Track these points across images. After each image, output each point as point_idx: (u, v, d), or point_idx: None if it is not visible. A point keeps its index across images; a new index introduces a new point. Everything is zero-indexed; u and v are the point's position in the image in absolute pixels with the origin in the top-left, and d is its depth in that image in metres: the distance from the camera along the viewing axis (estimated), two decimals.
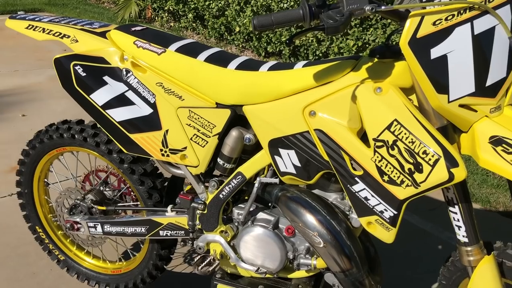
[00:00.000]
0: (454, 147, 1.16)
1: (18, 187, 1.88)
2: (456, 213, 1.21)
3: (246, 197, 1.56)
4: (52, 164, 1.86)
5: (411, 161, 1.12)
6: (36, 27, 1.57)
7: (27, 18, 1.62)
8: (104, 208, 1.71)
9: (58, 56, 1.50)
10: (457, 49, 1.07)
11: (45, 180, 1.88)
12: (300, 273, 1.45)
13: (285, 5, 4.62)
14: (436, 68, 1.07)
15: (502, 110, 1.14)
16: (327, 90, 1.24)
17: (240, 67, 1.37)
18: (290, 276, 1.47)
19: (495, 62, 1.10)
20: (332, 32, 1.03)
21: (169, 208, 1.59)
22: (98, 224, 1.70)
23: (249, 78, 1.34)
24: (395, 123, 1.14)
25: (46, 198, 1.91)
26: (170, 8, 6.21)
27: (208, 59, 1.40)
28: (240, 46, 5.62)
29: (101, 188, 1.83)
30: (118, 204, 1.77)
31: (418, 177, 1.12)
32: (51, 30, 1.54)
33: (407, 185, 1.14)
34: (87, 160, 1.85)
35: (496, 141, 1.10)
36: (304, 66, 1.31)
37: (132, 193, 1.77)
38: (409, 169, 1.13)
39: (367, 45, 4.05)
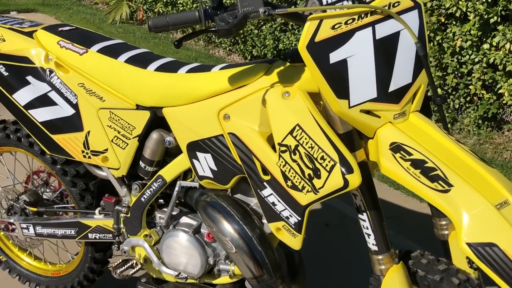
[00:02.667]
0: (360, 153, 1.15)
1: None
2: (364, 220, 1.19)
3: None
4: None
5: (311, 166, 1.12)
6: None
7: None
8: (35, 209, 1.71)
9: None
10: (358, 54, 1.06)
11: None
12: (224, 279, 1.45)
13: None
14: (335, 73, 1.06)
15: (407, 117, 1.13)
16: (241, 93, 1.25)
17: (160, 68, 1.38)
18: (214, 282, 1.46)
19: (399, 68, 1.09)
20: (224, 35, 1.03)
21: (97, 211, 1.59)
22: (30, 226, 1.70)
23: (168, 80, 1.35)
24: (297, 128, 1.13)
25: None
26: (160, 10, 6.24)
27: (129, 60, 1.40)
28: (227, 49, 5.63)
29: (42, 189, 1.84)
30: (54, 206, 1.78)
31: (316, 182, 1.11)
32: None
33: (308, 191, 1.13)
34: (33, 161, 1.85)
35: (396, 148, 1.09)
36: (221, 69, 1.32)
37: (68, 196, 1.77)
38: (309, 174, 1.12)
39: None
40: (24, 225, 1.72)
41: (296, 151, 1.14)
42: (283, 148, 1.16)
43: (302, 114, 1.14)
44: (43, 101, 1.47)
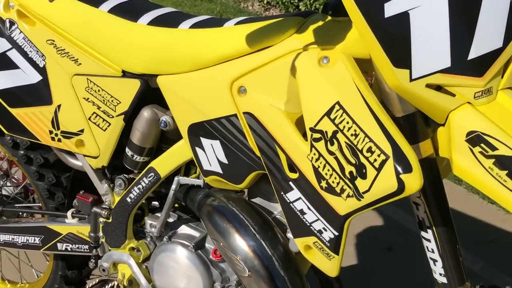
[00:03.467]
0: (425, 145, 1.13)
1: None
2: (429, 240, 1.17)
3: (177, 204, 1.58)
4: None
5: (353, 161, 1.10)
6: None
7: None
8: None
9: None
10: (425, 4, 1.02)
11: None
12: None
13: None
14: (392, 31, 1.03)
15: (494, 95, 1.09)
16: (262, 58, 1.23)
17: (155, 21, 1.38)
18: None
19: (484, 26, 1.05)
20: None
21: (69, 213, 1.63)
22: None
23: (165, 38, 1.35)
24: (337, 107, 1.11)
25: None
26: None
27: (114, 9, 1.41)
28: (265, 1, 5.61)
29: (0, 182, 1.89)
30: (15, 205, 1.84)
31: (361, 184, 1.09)
32: None
33: (348, 195, 1.11)
34: None
35: (475, 139, 1.05)
36: (237, 23, 1.31)
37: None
38: (351, 172, 1.10)
39: None
40: None
41: (334, 140, 1.12)
42: (316, 135, 1.14)
43: (345, 87, 1.11)
44: (1, 62, 1.51)
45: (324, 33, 1.18)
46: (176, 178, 1.41)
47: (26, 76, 1.49)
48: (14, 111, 1.51)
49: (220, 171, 1.33)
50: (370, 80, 1.18)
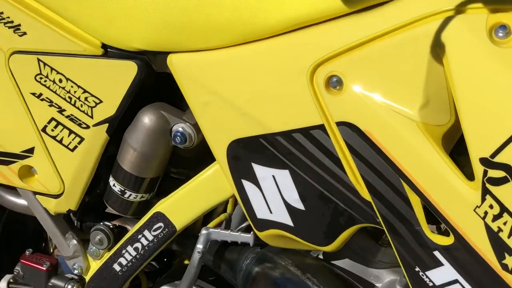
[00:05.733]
0: None
1: None
2: None
3: (186, 261, 1.48)
4: None
5: None
6: None
7: None
8: None
9: None
10: None
11: None
12: None
13: None
14: None
15: None
16: (371, 26, 1.08)
17: None
18: None
19: None
20: None
21: (3, 284, 1.52)
22: None
23: None
24: None
25: None
26: None
27: None
28: None
29: None
30: None
31: None
32: None
33: None
34: None
35: None
36: None
37: None
38: None
39: None
40: None
41: None
42: (496, 174, 0.98)
43: None
44: None
45: None
46: (204, 232, 1.31)
47: None
48: None
49: (290, 223, 1.22)
50: None
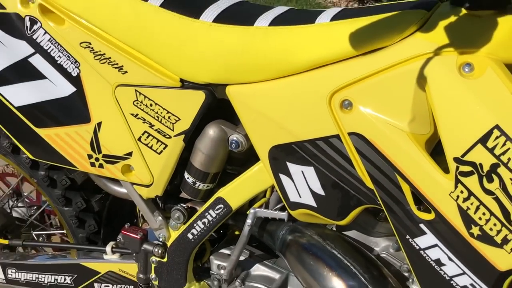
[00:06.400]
0: None
1: None
2: None
3: (237, 232, 1.44)
4: None
5: None
6: None
7: None
8: (6, 242, 1.57)
9: None
10: None
11: None
12: None
13: None
14: None
15: None
16: (374, 64, 1.05)
17: (222, 18, 1.19)
18: None
19: None
20: None
21: (108, 248, 1.46)
22: None
23: (237, 39, 1.17)
24: (496, 132, 0.93)
25: None
26: None
27: (169, 3, 1.22)
28: None
29: (10, 202, 1.73)
30: (33, 233, 1.68)
31: None
32: None
33: None
34: None
35: None
36: (333, 18, 1.12)
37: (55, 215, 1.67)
38: None
39: None
40: None
41: (494, 176, 0.94)
42: (465, 168, 0.96)
43: (504, 105, 0.93)
44: (22, 72, 1.33)
45: (461, 31, 0.99)
46: (252, 211, 1.26)
47: (56, 87, 1.32)
48: (42, 132, 1.36)
49: (314, 205, 1.18)
50: None
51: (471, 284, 1.00)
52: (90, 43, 1.26)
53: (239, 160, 1.30)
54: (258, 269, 1.32)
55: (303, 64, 1.11)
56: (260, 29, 1.15)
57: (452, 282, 1.02)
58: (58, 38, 1.29)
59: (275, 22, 1.15)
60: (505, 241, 0.94)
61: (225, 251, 1.35)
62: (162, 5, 1.21)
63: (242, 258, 1.33)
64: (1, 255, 1.59)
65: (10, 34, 1.31)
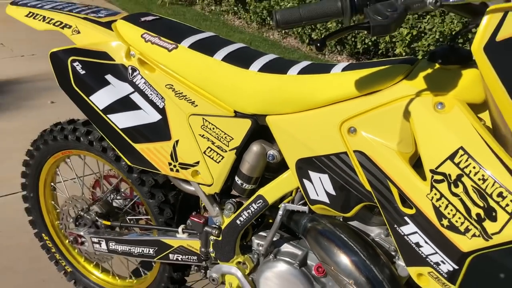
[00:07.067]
0: None
1: (23, 190, 1.74)
2: None
3: (271, 221, 1.37)
4: (59, 167, 1.71)
5: (481, 204, 0.88)
6: (37, 15, 1.41)
7: (28, 4, 1.46)
8: (109, 223, 1.56)
9: (54, 50, 1.33)
10: None
11: (52, 184, 1.73)
12: None
13: None
14: None
15: None
16: (372, 102, 1.03)
17: (264, 68, 1.17)
18: None
19: None
20: (380, 33, 0.79)
21: (180, 229, 1.43)
22: (102, 241, 1.55)
23: (275, 83, 1.15)
24: (460, 152, 0.90)
25: (54, 203, 1.77)
26: None
27: (227, 58, 1.21)
28: (283, 32, 5.36)
29: (111, 196, 1.68)
30: (127, 218, 1.63)
31: (489, 226, 0.88)
32: (51, 19, 1.38)
33: (474, 235, 0.90)
34: (98, 163, 1.69)
35: None
36: (344, 69, 1.10)
37: (143, 205, 1.62)
38: (478, 214, 0.89)
39: (422, 35, 3.69)
40: (95, 239, 1.56)
41: (459, 183, 0.91)
42: (438, 177, 0.93)
43: (466, 133, 0.91)
44: (125, 104, 1.31)
45: (435, 79, 0.98)
46: (282, 205, 1.22)
47: (148, 115, 1.30)
48: (137, 146, 1.33)
49: (327, 201, 1.14)
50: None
51: (441, 261, 0.96)
52: (172, 85, 1.26)
53: (274, 168, 1.26)
54: (286, 247, 1.27)
55: (321, 101, 1.09)
56: (291, 77, 1.13)
57: (427, 259, 0.98)
58: (150, 81, 1.28)
59: (302, 71, 1.13)
60: (466, 230, 0.91)
61: (262, 233, 1.32)
62: (223, 59, 1.20)
63: (274, 239, 1.28)
64: (105, 232, 1.58)
65: (118, 78, 1.31)
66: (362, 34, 4.26)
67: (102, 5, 3.92)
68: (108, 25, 1.34)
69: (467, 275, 0.93)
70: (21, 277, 1.93)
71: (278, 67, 1.17)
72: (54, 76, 1.35)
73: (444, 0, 0.80)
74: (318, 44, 0.80)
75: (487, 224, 0.88)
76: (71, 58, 1.31)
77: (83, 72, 1.30)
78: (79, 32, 1.34)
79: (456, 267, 0.94)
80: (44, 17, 1.40)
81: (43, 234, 1.79)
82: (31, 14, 1.42)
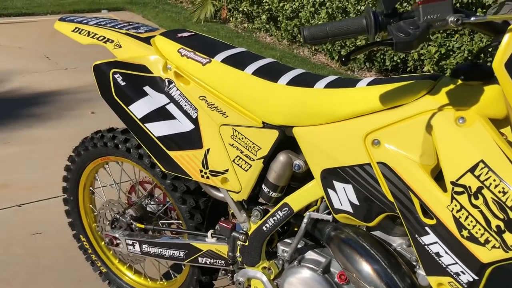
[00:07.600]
0: None
1: (64, 193, 1.81)
2: None
3: (296, 228, 1.37)
4: (98, 172, 1.77)
5: (501, 216, 0.88)
6: (82, 30, 1.48)
7: (75, 21, 1.54)
8: (143, 226, 1.60)
9: (97, 62, 1.40)
10: None
11: (91, 188, 1.79)
12: None
13: (363, 7, 4.33)
14: None
15: None
16: (396, 115, 1.04)
17: (292, 82, 1.20)
18: None
19: None
20: (403, 49, 0.81)
21: (209, 234, 1.45)
22: (136, 243, 1.59)
23: (302, 96, 1.17)
24: (481, 165, 0.91)
25: (91, 206, 1.83)
26: (245, 9, 6.12)
27: (257, 72, 1.24)
28: (313, 49, 5.39)
29: (146, 201, 1.72)
30: (160, 222, 1.66)
31: (509, 238, 0.88)
32: (95, 34, 1.45)
33: (494, 246, 0.90)
34: (135, 170, 1.74)
35: None
36: (368, 84, 1.12)
37: (175, 210, 1.65)
38: (498, 226, 0.89)
39: (451, 53, 3.66)
40: (129, 241, 1.60)
41: (479, 195, 0.91)
42: (458, 189, 0.94)
43: (487, 147, 0.91)
44: (161, 114, 1.34)
45: (458, 95, 0.98)
46: (307, 213, 1.23)
47: (182, 125, 1.33)
48: (171, 154, 1.35)
49: (351, 211, 1.14)
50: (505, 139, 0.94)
51: (461, 271, 0.96)
52: (205, 97, 1.29)
53: (300, 178, 1.27)
54: (310, 254, 1.27)
55: (346, 114, 1.10)
56: (318, 90, 1.15)
57: (447, 269, 0.98)
58: (185, 93, 1.32)
59: (328, 85, 1.15)
60: (486, 241, 0.91)
61: (287, 240, 1.31)
62: (253, 73, 1.23)
63: (299, 246, 1.29)
64: (139, 235, 1.61)
65: (155, 90, 1.35)
66: (391, 51, 4.25)
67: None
68: (147, 40, 1.39)
69: (486, 286, 0.92)
70: (59, 276, 1.99)
71: (305, 81, 1.19)
72: (95, 87, 1.41)
73: (466, 18, 0.81)
74: (343, 59, 0.83)
75: (507, 236, 0.87)
76: (112, 70, 1.37)
77: (123, 83, 1.36)
78: (120, 46, 1.40)
79: (476, 277, 0.94)
80: (89, 32, 1.47)
81: (81, 236, 1.85)
82: (77, 29, 1.50)
